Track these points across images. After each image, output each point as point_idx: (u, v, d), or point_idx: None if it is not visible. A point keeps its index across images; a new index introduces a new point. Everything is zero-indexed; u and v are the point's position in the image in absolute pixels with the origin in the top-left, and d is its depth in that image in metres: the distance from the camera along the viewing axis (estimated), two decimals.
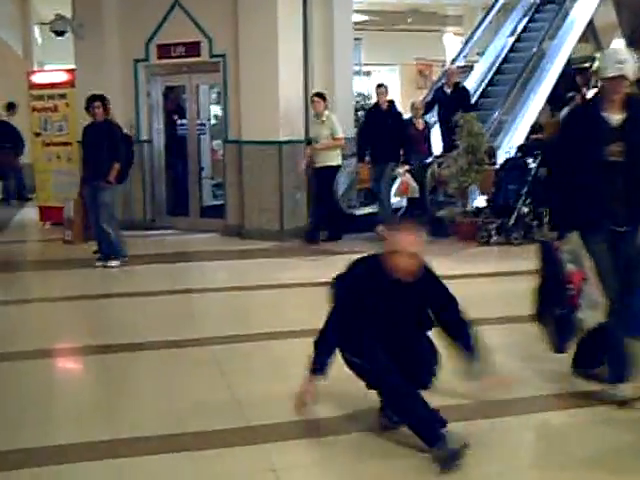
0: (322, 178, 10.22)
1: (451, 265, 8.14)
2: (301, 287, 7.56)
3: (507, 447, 4.01)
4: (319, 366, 3.87)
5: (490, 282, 8.02)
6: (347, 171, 11.15)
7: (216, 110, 11.86)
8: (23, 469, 3.78)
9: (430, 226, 10.68)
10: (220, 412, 4.47)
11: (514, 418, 4.34)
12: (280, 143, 10.30)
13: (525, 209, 9.81)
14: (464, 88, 12.27)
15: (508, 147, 11.59)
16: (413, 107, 11.40)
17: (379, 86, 10.90)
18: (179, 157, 11.97)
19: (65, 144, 11.85)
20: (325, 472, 3.73)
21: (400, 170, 10.48)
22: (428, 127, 11.46)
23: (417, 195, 10.58)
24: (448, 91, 11.87)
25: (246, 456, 3.89)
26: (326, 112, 10.18)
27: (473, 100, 12.65)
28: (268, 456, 3.86)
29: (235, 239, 10.55)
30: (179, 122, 12.10)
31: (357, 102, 13.82)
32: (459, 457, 3.60)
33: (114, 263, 8.89)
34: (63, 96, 11.87)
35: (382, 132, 10.28)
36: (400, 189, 10.56)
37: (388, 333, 3.90)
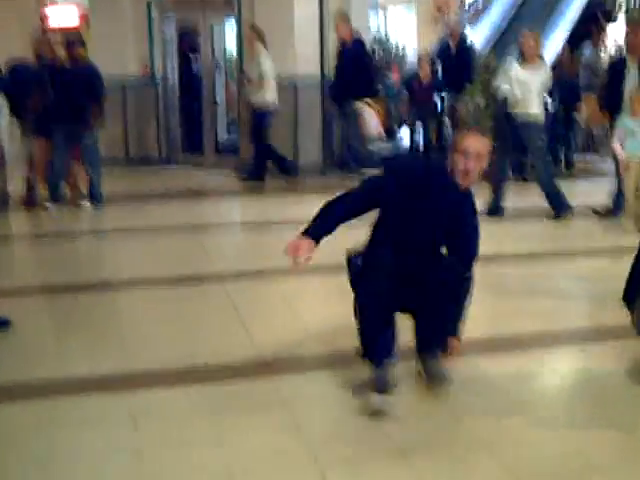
0: (253, 119, 10.06)
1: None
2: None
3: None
4: (311, 229, 3.72)
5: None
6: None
7: (231, 48, 11.74)
8: (42, 399, 3.85)
9: None
10: (233, 346, 4.53)
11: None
12: (296, 78, 10.20)
13: None
14: (470, 48, 11.51)
15: None
16: (419, 61, 11.19)
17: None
18: (194, 94, 11.90)
19: None
20: (334, 405, 3.78)
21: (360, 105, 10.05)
22: (436, 82, 11.12)
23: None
24: (452, 47, 11.24)
25: (258, 389, 3.94)
26: (260, 51, 9.86)
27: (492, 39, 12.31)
28: (279, 389, 3.91)
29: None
30: (194, 60, 12.01)
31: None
32: (383, 388, 3.63)
33: (87, 204, 8.74)
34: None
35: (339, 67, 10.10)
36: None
37: (406, 244, 3.72)
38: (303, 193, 9.48)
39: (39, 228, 8.20)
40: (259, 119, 9.96)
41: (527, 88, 7.74)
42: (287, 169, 10.17)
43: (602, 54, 11.33)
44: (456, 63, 10.95)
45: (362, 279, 3.69)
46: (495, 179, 7.92)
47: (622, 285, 4.27)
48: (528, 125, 7.85)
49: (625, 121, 7.24)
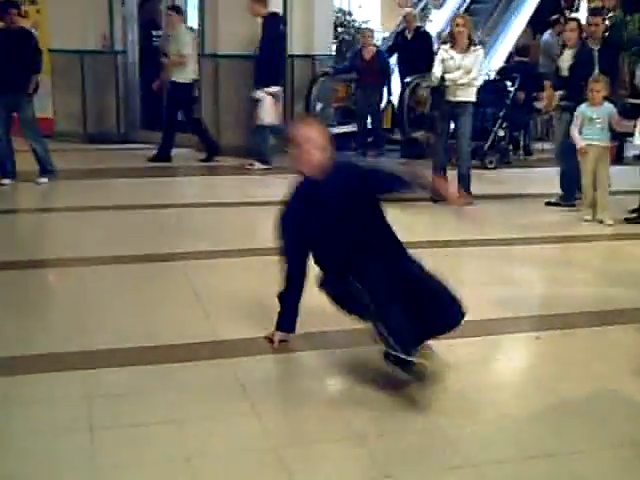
0: (170, 94, 10.04)
1: None
2: (270, 205, 7.55)
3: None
4: (287, 324, 4.00)
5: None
6: (324, 88, 11.03)
7: (193, 23, 11.61)
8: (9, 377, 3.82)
9: (405, 147, 10.76)
10: (190, 326, 4.52)
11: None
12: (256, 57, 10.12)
13: (502, 133, 9.81)
14: (426, 33, 11.59)
15: (487, 69, 11.49)
16: (364, 35, 11.01)
17: None
18: (154, 70, 11.75)
19: None
20: (291, 388, 3.80)
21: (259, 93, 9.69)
22: (381, 58, 10.78)
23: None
24: (409, 36, 11.30)
25: (214, 370, 3.94)
26: (179, 27, 9.99)
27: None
28: (235, 370, 3.91)
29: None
30: (154, 33, 11.86)
31: (337, 18, 13.50)
32: (419, 374, 3.53)
33: (43, 180, 8.55)
34: (33, 1, 11.55)
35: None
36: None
37: (343, 248, 3.75)
38: (265, 173, 9.46)
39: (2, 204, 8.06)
40: (180, 93, 10.01)
41: (462, 73, 7.71)
42: (211, 147, 10.26)
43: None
44: (414, 49, 10.95)
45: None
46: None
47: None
48: (460, 109, 7.85)
49: (582, 109, 7.30)
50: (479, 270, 6.00)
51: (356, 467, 3.09)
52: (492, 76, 10.86)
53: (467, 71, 7.70)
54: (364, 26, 12.98)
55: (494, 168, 9.66)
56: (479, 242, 6.48)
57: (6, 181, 8.41)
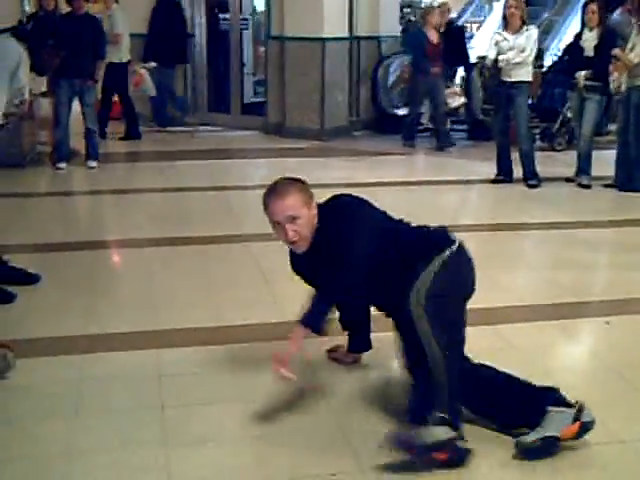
0: (107, 74, 9.86)
1: (489, 170, 8.13)
2: (340, 187, 7.56)
3: None
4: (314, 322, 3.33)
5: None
6: (389, 71, 10.96)
7: (260, 5, 11.65)
8: (70, 355, 3.92)
9: (472, 129, 10.64)
10: (257, 307, 4.57)
11: None
12: (324, 40, 10.13)
13: (570, 114, 9.62)
14: (460, 29, 11.03)
15: (557, 49, 11.27)
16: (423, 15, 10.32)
17: None
18: (221, 53, 11.85)
19: None
20: (358, 370, 3.81)
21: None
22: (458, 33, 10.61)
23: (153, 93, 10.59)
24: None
25: (282, 349, 3.96)
26: (113, 6, 10.03)
27: None
28: (304, 351, 3.93)
29: (275, 137, 10.53)
30: (221, 16, 11.94)
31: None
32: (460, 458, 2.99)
33: (93, 164, 8.67)
34: None
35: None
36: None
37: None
38: (329, 155, 9.47)
39: (62, 186, 8.22)
40: (115, 73, 9.97)
41: (515, 53, 7.70)
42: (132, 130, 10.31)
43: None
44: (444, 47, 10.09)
45: None
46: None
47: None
48: (515, 90, 7.81)
49: None
50: (546, 254, 5.91)
51: None
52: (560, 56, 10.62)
53: (520, 50, 7.70)
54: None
55: (563, 149, 9.48)
56: (546, 225, 6.40)
57: (62, 165, 8.56)
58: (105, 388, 3.58)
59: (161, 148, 10.03)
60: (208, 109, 11.89)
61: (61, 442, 3.11)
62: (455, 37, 10.50)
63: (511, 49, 7.70)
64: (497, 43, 7.85)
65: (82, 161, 8.69)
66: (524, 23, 7.79)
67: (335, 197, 3.38)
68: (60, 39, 8.13)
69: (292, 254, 3.52)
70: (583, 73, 7.71)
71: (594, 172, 7.90)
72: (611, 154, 8.01)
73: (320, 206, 3.33)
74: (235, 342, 4.08)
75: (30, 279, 4.87)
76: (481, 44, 11.16)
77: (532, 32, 7.80)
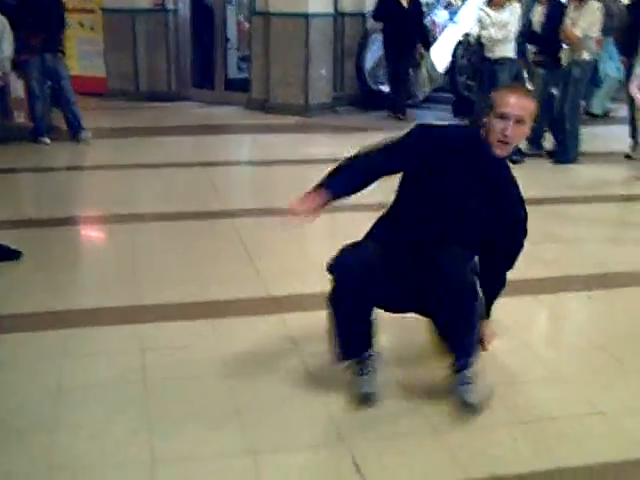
0: None
1: None
2: (324, 163, 7.53)
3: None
4: (328, 181, 3.33)
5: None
6: (375, 46, 10.92)
7: None
8: (54, 330, 3.90)
9: (456, 106, 10.62)
10: (241, 282, 4.57)
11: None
12: (308, 16, 10.07)
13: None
14: (419, 3, 10.42)
15: None
16: None
17: None
18: (205, 28, 11.76)
19: (88, 11, 11.67)
20: None
21: None
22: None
23: None
24: (404, 3, 9.98)
25: (265, 325, 3.98)
26: None
27: None
28: (287, 326, 3.95)
29: (259, 113, 10.48)
30: None
31: None
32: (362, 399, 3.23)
33: (89, 134, 8.60)
34: None
35: None
36: None
37: (427, 234, 3.15)
38: (313, 131, 9.45)
39: (45, 162, 8.16)
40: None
41: (497, 29, 7.74)
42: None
43: None
44: (410, 20, 9.95)
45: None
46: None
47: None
48: (498, 66, 7.86)
49: None
50: (531, 228, 5.92)
51: (405, 421, 3.10)
52: None
53: (502, 26, 7.73)
54: None
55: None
56: (532, 201, 6.40)
57: (46, 139, 8.49)
58: (89, 363, 3.58)
59: (145, 124, 9.96)
60: (192, 84, 11.81)
61: (44, 416, 3.11)
62: (418, 13, 10.32)
63: (493, 25, 7.71)
64: (480, 19, 7.87)
65: (63, 136, 8.63)
66: (508, 0, 7.77)
67: None
68: (39, 16, 8.13)
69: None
70: (531, 48, 7.82)
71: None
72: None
73: None
74: (219, 317, 4.08)
75: (12, 255, 4.84)
76: (465, 19, 11.11)
77: (515, 8, 7.79)
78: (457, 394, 3.21)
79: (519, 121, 3.09)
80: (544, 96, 7.93)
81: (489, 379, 3.38)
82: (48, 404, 3.20)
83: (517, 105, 3.09)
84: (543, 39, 7.78)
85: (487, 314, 3.41)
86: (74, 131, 8.62)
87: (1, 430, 3.02)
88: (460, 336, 3.16)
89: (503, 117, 3.07)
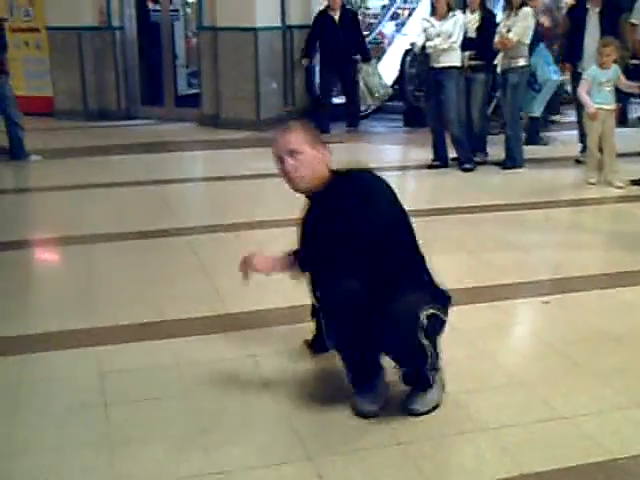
0: None
1: (426, 155, 8.23)
2: (277, 177, 7.53)
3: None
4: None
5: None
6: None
7: None
8: (8, 356, 3.83)
9: (407, 116, 10.71)
10: (199, 300, 4.53)
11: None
12: (256, 30, 10.08)
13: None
14: (354, 13, 10.79)
15: None
16: None
17: None
18: (153, 45, 11.70)
19: (33, 30, 11.55)
20: (300, 359, 3.80)
21: None
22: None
23: None
24: (335, 17, 10.15)
25: (225, 343, 3.96)
26: None
27: None
28: (246, 343, 3.93)
29: (211, 128, 10.46)
30: (152, 8, 11.78)
31: None
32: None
33: (36, 157, 8.56)
34: None
35: None
36: None
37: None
38: (265, 145, 9.42)
39: None
40: None
41: (442, 39, 7.84)
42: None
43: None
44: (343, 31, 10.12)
45: None
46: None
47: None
48: (443, 75, 7.96)
49: (592, 72, 7.26)
50: (485, 236, 5.98)
51: (369, 435, 3.10)
52: None
53: (447, 36, 7.82)
54: None
55: (497, 133, 9.59)
56: (483, 208, 6.49)
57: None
58: (46, 389, 3.52)
59: (95, 143, 9.86)
60: (141, 102, 11.73)
61: (2, 445, 3.05)
62: (353, 24, 10.38)
63: (438, 35, 7.81)
64: (425, 30, 7.96)
65: (9, 158, 8.51)
66: (450, 9, 7.89)
67: (360, 170, 3.36)
68: None
69: (307, 208, 3.37)
70: (467, 53, 7.95)
71: None
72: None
73: (338, 173, 3.26)
74: (178, 336, 4.04)
75: None
76: (413, 31, 11.23)
77: (458, 18, 7.89)
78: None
79: (292, 154, 3.15)
80: (485, 100, 8.11)
81: (449, 387, 3.40)
82: (4, 432, 3.14)
83: (282, 144, 3.18)
84: (480, 44, 7.94)
85: None
86: (18, 155, 8.49)
87: None
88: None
89: (279, 160, 3.20)
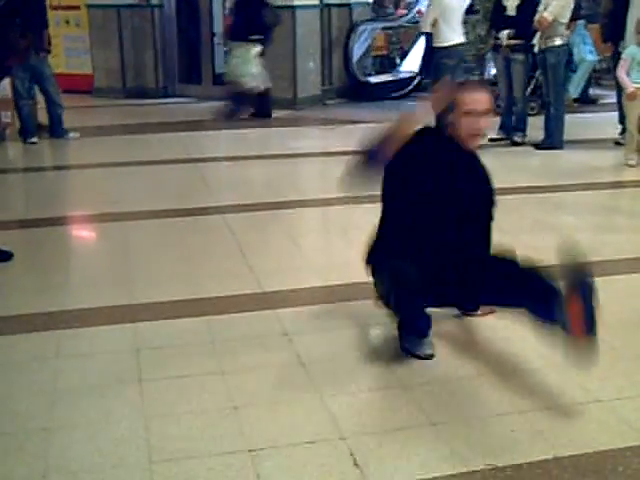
0: None
1: None
2: (315, 157, 7.55)
3: None
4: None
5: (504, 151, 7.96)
6: (362, 38, 10.90)
7: None
8: (47, 331, 3.88)
9: None
10: (234, 278, 4.56)
11: None
12: (294, 8, 10.04)
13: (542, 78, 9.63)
14: None
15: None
16: None
17: None
18: (191, 23, 11.72)
19: (74, 8, 11.61)
20: (335, 338, 3.81)
21: None
22: None
23: None
24: None
25: (260, 321, 3.97)
26: None
27: None
28: (281, 321, 3.94)
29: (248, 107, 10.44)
30: None
31: None
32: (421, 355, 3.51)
33: (74, 135, 8.67)
34: None
35: None
36: None
37: (444, 229, 3.45)
38: (302, 125, 9.42)
39: (34, 161, 8.14)
40: None
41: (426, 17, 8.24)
42: None
43: None
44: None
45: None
46: None
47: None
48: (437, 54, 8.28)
49: (631, 51, 7.14)
50: (521, 217, 5.93)
51: (402, 414, 3.10)
52: None
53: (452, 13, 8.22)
54: None
55: (535, 114, 9.49)
56: (521, 190, 6.42)
57: (34, 139, 8.47)
58: (83, 363, 3.56)
59: (133, 121, 9.93)
60: (179, 80, 11.77)
61: (39, 418, 3.10)
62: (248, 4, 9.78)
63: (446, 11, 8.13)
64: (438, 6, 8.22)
65: (49, 135, 8.60)
66: None
67: None
68: (26, 17, 8.02)
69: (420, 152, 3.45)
70: (506, 32, 7.84)
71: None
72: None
73: None
74: (213, 314, 4.07)
75: (3, 256, 4.82)
76: None
77: None
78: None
79: (485, 114, 3.41)
80: (525, 80, 8.02)
81: (484, 369, 3.39)
82: (43, 406, 3.19)
83: (480, 101, 3.42)
84: (519, 23, 7.88)
85: None
86: (57, 133, 8.58)
87: None
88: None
89: (471, 114, 3.38)
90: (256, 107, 9.90)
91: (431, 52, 8.48)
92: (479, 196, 3.56)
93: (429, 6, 8.26)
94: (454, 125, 3.42)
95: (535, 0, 7.87)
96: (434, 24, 8.18)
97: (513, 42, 7.93)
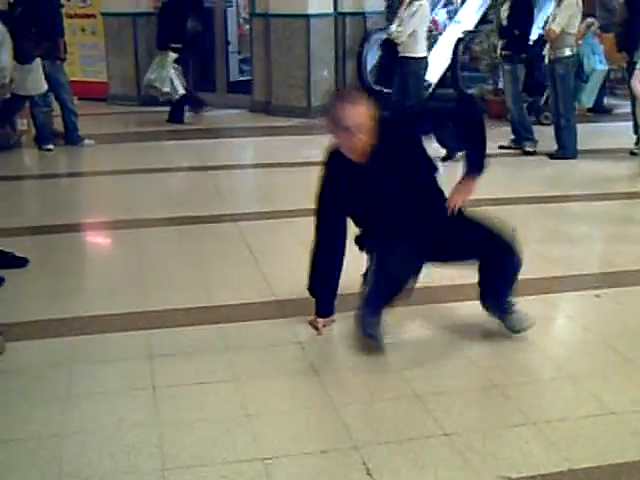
0: None
1: None
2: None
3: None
4: (320, 308, 3.92)
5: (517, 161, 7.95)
6: (374, 48, 10.91)
7: None
8: (61, 337, 3.90)
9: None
10: (248, 286, 4.56)
11: None
12: (308, 16, 10.07)
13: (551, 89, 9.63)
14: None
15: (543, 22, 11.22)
16: None
17: None
18: (205, 31, 11.74)
19: (89, 16, 11.68)
20: (348, 347, 3.80)
21: None
22: None
23: None
24: None
25: (273, 329, 3.98)
26: None
27: None
28: (294, 330, 3.94)
29: (262, 115, 10.50)
30: None
31: None
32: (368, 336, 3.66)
33: (89, 142, 8.72)
34: None
35: None
36: None
37: (393, 216, 3.64)
38: (316, 133, 9.42)
39: (49, 168, 8.19)
40: None
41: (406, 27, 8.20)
42: None
43: None
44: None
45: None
46: None
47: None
48: (407, 64, 8.36)
49: None
50: (537, 227, 5.91)
51: (416, 424, 3.10)
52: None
53: (413, 25, 8.23)
54: None
55: (549, 124, 9.46)
56: (534, 199, 6.41)
57: (50, 146, 8.51)
58: (97, 370, 3.57)
59: (148, 128, 9.97)
60: (194, 88, 11.78)
61: (53, 424, 3.11)
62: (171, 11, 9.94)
63: (400, 24, 8.13)
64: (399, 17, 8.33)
65: (64, 143, 8.65)
66: None
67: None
68: (41, 25, 8.04)
69: (338, 176, 3.67)
70: (500, 43, 7.90)
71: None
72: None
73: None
74: (226, 321, 4.07)
75: (18, 262, 4.84)
76: (466, 18, 11.16)
77: (418, 8, 8.09)
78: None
79: (357, 128, 3.42)
80: (517, 91, 8.06)
81: (497, 380, 3.38)
82: (57, 412, 3.20)
83: (350, 116, 3.42)
84: (508, 33, 7.95)
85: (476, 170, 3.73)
86: (72, 140, 8.62)
87: (10, 438, 3.02)
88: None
89: (347, 129, 3.42)
90: (170, 113, 10.11)
91: (393, 62, 8.62)
92: (412, 172, 3.60)
93: (413, 16, 8.22)
94: (338, 142, 3.53)
95: (523, 10, 7.92)
96: (411, 34, 8.25)
97: (504, 52, 8.01)
